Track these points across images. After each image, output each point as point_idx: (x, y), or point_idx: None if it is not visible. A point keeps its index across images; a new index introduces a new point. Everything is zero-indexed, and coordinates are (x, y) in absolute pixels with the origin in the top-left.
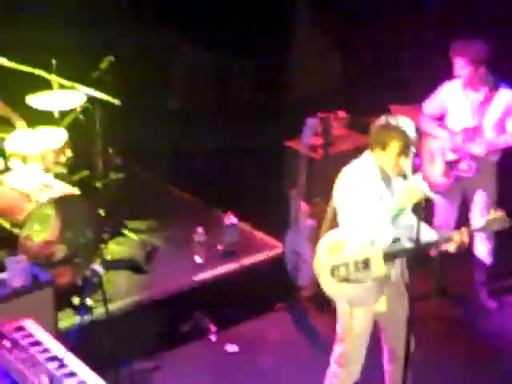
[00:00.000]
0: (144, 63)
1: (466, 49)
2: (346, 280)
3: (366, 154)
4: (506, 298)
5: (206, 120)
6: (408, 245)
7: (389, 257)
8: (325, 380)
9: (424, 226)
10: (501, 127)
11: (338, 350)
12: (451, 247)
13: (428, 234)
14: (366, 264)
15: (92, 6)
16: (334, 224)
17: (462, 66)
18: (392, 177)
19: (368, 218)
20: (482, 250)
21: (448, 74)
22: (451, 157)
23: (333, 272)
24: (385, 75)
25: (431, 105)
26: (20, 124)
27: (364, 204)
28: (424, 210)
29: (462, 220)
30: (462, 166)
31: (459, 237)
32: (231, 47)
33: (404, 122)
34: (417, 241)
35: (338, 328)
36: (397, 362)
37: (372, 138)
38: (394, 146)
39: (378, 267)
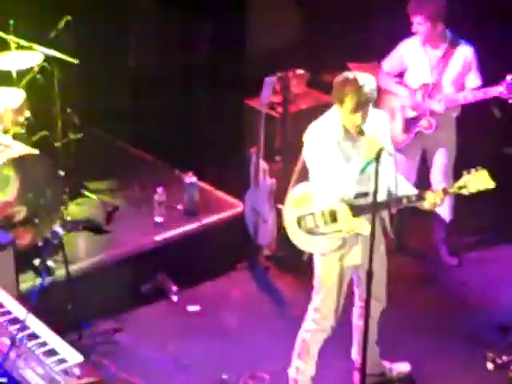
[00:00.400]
0: (103, 22)
1: (423, 5)
2: (313, 232)
3: (333, 110)
4: (466, 254)
5: (165, 80)
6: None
7: (356, 211)
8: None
9: (402, 180)
10: (460, 83)
11: (313, 303)
12: (424, 205)
13: (405, 189)
14: (334, 217)
15: None
16: (304, 178)
17: (419, 23)
18: (356, 136)
19: (332, 178)
20: (442, 206)
21: (407, 32)
22: (411, 114)
23: (299, 223)
24: (345, 32)
25: (390, 62)
26: None
27: (327, 164)
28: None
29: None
30: (422, 122)
31: (433, 197)
32: (188, 5)
33: (362, 78)
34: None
35: (315, 280)
36: (376, 319)
37: (332, 94)
38: (349, 101)
39: (346, 221)
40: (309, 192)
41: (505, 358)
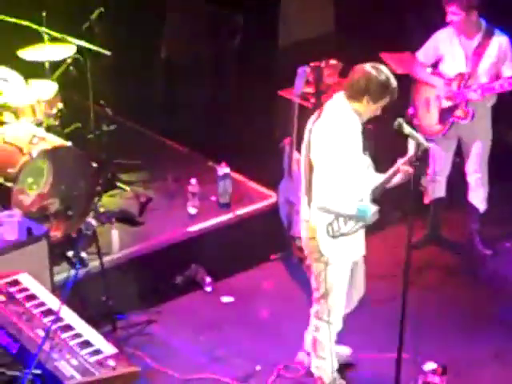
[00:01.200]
0: (136, 14)
1: None
2: (341, 234)
3: (342, 100)
4: (500, 244)
5: (197, 72)
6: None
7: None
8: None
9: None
10: (495, 73)
11: (321, 306)
12: (400, 177)
13: (375, 178)
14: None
15: None
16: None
17: (453, 13)
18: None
19: (358, 180)
20: (477, 196)
21: (441, 23)
22: (446, 104)
23: (328, 230)
24: (378, 22)
25: (425, 52)
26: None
27: (353, 163)
28: (423, 161)
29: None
30: (458, 112)
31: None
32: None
33: (393, 78)
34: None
35: (318, 288)
36: (352, 307)
37: (364, 87)
38: (386, 99)
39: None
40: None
41: None
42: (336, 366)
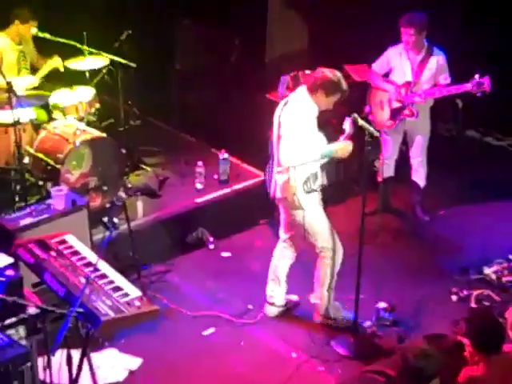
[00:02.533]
0: (155, 35)
1: (414, 20)
2: (311, 190)
3: (303, 94)
4: (436, 212)
5: (203, 79)
6: None
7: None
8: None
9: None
10: (434, 81)
11: (318, 245)
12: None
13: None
14: (316, 176)
15: None
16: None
17: (410, 35)
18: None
19: (314, 143)
20: (418, 175)
21: (389, 41)
22: (396, 105)
23: (303, 187)
24: (340, 41)
25: (379, 64)
26: (56, 60)
27: (310, 134)
28: (376, 148)
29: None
30: (406, 111)
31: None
32: (220, 22)
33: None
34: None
35: (310, 236)
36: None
37: (321, 84)
38: (338, 95)
39: (322, 177)
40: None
41: (465, 292)
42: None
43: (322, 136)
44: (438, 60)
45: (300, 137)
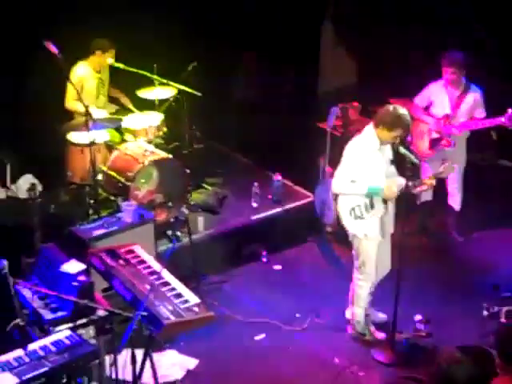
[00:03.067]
0: (217, 70)
1: (454, 60)
2: (360, 218)
3: (369, 129)
4: (470, 234)
5: (262, 109)
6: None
7: (384, 200)
8: (351, 289)
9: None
10: (470, 115)
11: (360, 271)
12: (424, 188)
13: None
14: (372, 205)
15: (182, 31)
16: None
17: (452, 73)
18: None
19: (366, 176)
20: (454, 200)
21: (429, 77)
22: (435, 135)
23: (350, 212)
24: (386, 77)
25: (421, 98)
26: (126, 101)
27: (364, 167)
28: (411, 171)
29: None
30: (444, 142)
31: (429, 181)
32: (277, 56)
33: (404, 112)
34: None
35: (358, 259)
36: (378, 278)
37: (382, 119)
38: (399, 130)
39: (379, 207)
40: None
41: (496, 308)
42: (364, 315)
43: (393, 170)
44: (474, 96)
45: (352, 167)
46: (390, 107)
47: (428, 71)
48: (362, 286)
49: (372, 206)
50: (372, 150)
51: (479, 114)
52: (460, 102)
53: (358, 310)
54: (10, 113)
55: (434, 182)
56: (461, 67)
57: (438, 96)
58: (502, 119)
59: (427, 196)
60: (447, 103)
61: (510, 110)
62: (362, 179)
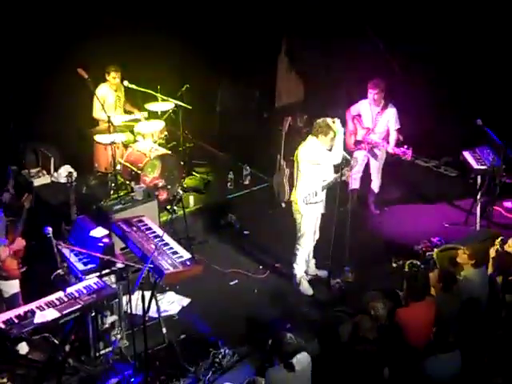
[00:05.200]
0: (203, 90)
1: (377, 85)
2: (310, 203)
3: (311, 138)
4: (382, 208)
5: (236, 118)
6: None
7: (323, 189)
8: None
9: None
10: (387, 126)
11: (300, 240)
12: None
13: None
14: (316, 194)
15: (177, 64)
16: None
17: (375, 94)
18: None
19: (318, 172)
20: (374, 184)
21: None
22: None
23: (303, 199)
24: (325, 96)
25: (354, 109)
26: (134, 111)
27: (316, 165)
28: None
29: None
30: (363, 145)
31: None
32: (246, 80)
33: (333, 123)
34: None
35: (300, 232)
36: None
37: (318, 129)
38: (331, 135)
39: (320, 194)
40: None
41: (401, 261)
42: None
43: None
44: (391, 112)
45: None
46: (320, 120)
47: (358, 91)
48: (300, 251)
49: (317, 194)
50: (318, 154)
51: (393, 126)
52: (379, 116)
53: (296, 267)
54: (54, 121)
55: (349, 173)
56: (381, 91)
57: (364, 111)
58: (397, 150)
59: (356, 185)
60: (369, 118)
61: (405, 147)
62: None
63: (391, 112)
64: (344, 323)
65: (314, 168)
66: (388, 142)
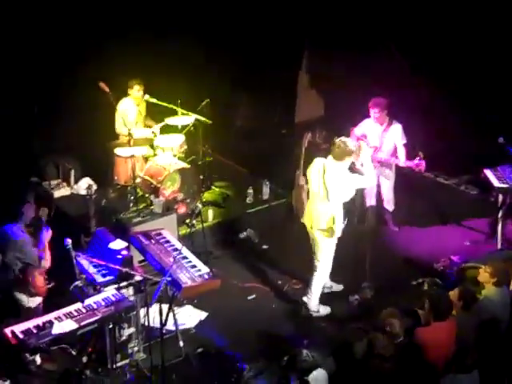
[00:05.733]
0: (223, 104)
1: (377, 104)
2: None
3: (333, 163)
4: (401, 226)
5: (256, 134)
6: None
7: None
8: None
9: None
10: (394, 143)
11: (321, 266)
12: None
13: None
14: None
15: (203, 73)
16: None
17: (375, 112)
18: None
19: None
20: (388, 203)
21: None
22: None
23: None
24: (344, 112)
25: (358, 129)
26: (153, 125)
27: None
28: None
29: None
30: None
31: None
32: (268, 94)
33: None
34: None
35: (319, 256)
36: None
37: (339, 152)
38: (349, 160)
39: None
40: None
41: (420, 279)
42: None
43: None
44: (396, 130)
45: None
46: (341, 144)
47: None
48: (319, 273)
49: (345, 217)
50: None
51: (400, 141)
52: (385, 134)
53: (313, 290)
54: (75, 134)
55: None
56: (382, 109)
57: (369, 130)
58: (410, 163)
59: (372, 202)
60: (375, 136)
61: (417, 159)
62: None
63: (396, 128)
64: (359, 340)
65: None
66: (397, 157)
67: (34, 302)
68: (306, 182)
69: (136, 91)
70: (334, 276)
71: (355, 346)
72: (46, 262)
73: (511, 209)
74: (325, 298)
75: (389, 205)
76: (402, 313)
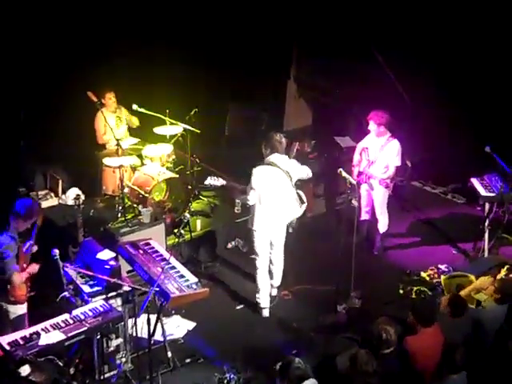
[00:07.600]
0: (212, 115)
1: (372, 117)
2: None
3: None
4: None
5: (243, 142)
6: None
7: None
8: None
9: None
10: (387, 162)
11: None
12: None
13: None
14: None
15: (190, 82)
16: None
17: (371, 125)
18: None
19: None
20: (380, 223)
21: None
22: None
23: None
24: (332, 121)
25: (361, 143)
26: (135, 120)
27: None
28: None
29: None
30: (362, 177)
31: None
32: (256, 104)
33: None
34: None
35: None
36: None
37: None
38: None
39: None
40: None
41: (408, 288)
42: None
43: None
44: (393, 145)
45: None
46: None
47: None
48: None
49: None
50: None
51: (394, 162)
52: (382, 148)
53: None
54: (62, 145)
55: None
56: (379, 124)
57: (370, 143)
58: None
59: (366, 216)
60: (376, 150)
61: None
62: None
63: (393, 146)
64: (341, 354)
65: None
66: (385, 173)
67: (18, 308)
68: None
69: (108, 99)
70: (323, 285)
71: (338, 362)
72: (18, 276)
73: (497, 218)
74: (312, 307)
75: (381, 225)
76: (394, 321)
